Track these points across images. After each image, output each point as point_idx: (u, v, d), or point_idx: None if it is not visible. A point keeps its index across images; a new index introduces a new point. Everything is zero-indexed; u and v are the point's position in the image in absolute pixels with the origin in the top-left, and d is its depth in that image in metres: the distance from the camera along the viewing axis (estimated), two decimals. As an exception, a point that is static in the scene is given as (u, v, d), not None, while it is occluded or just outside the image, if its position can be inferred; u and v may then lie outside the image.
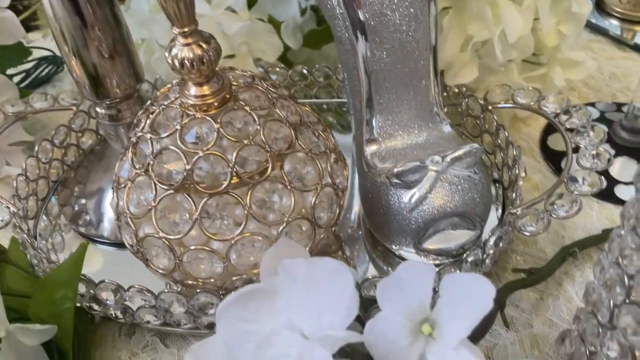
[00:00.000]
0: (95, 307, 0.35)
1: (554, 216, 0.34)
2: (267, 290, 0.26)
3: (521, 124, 0.48)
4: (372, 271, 0.39)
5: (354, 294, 0.24)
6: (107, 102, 0.38)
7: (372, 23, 0.34)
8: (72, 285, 0.32)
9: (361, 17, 0.34)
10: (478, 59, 0.42)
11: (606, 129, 0.45)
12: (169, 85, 0.33)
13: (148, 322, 0.35)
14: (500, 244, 0.34)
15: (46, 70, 0.57)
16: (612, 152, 0.44)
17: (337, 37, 0.37)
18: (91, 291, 0.34)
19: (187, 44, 0.28)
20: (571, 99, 0.50)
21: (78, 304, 0.35)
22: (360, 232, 0.41)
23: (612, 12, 0.58)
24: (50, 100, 0.45)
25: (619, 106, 0.48)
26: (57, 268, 0.33)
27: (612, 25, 0.58)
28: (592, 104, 0.49)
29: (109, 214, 0.43)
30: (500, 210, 0.41)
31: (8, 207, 0.38)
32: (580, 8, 0.43)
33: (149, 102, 0.32)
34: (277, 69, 0.49)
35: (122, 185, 0.32)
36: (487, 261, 0.34)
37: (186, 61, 0.28)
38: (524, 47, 0.42)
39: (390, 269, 0.38)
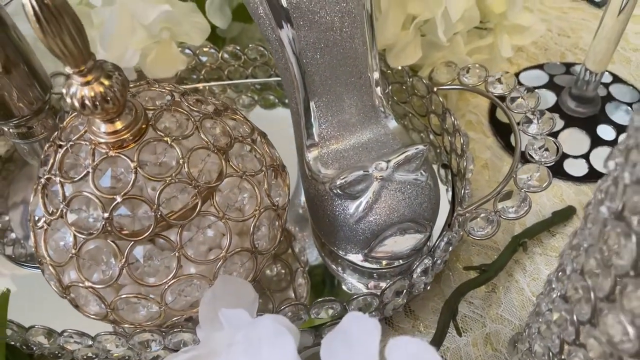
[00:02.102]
0: (31, 346, 0.33)
1: (504, 217, 0.33)
2: (203, 356, 0.24)
3: (470, 94, 0.46)
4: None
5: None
6: (15, 122, 0.34)
7: (302, 23, 0.31)
8: (-2, 338, 0.30)
9: (288, 20, 0.30)
10: (421, 36, 0.39)
11: (555, 99, 0.44)
12: (76, 113, 0.29)
13: (90, 357, 0.33)
14: (450, 249, 0.33)
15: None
16: (561, 123, 0.43)
17: (266, 37, 0.33)
18: (22, 335, 0.31)
19: (86, 83, 0.24)
20: (520, 61, 0.48)
21: (12, 343, 0.33)
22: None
23: (561, -44, 0.55)
24: (-49, 107, 0.40)
25: (568, 67, 0.47)
26: (-22, 322, 0.30)
27: (561, -30, 0.55)
28: (541, 66, 0.47)
29: (37, 228, 0.40)
30: (450, 195, 0.39)
31: None
32: (527, -31, 0.40)
33: (56, 133, 0.29)
34: (206, 50, 0.45)
35: (39, 227, 0.29)
36: (438, 263, 0.33)
37: (87, 101, 0.24)
38: (469, 20, 0.39)
39: (340, 269, 0.37)
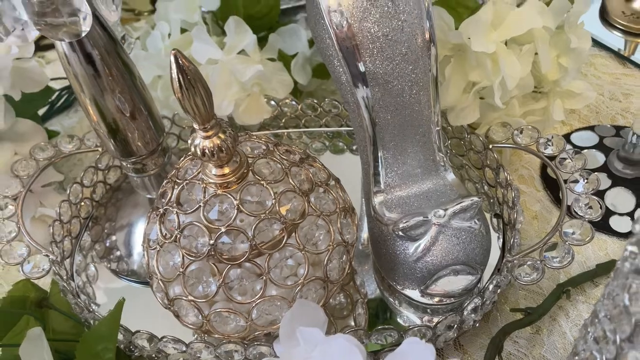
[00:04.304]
0: (132, 348, 0.39)
1: (548, 266, 0.36)
2: (286, 365, 0.29)
3: (522, 152, 0.50)
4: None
5: (363, 373, 0.27)
6: (133, 160, 0.41)
7: (377, 89, 0.36)
8: (112, 339, 0.36)
9: (365, 86, 0.36)
10: (480, 99, 0.44)
11: (603, 159, 0.47)
12: (190, 156, 0.35)
13: (180, 362, 0.39)
14: (498, 291, 0.37)
15: (67, 97, 0.60)
16: (609, 182, 0.46)
17: (344, 97, 0.39)
18: (128, 338, 0.38)
19: (208, 137, 0.30)
20: (572, 122, 0.52)
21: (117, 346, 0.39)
22: (370, 249, 0.44)
23: (616, 24, 0.59)
24: (76, 142, 0.48)
25: (617, 130, 0.50)
26: (98, 323, 0.36)
27: (616, 37, 0.58)
28: (592, 128, 0.51)
29: (137, 247, 0.47)
30: (501, 242, 0.43)
31: (47, 255, 0.42)
32: (580, 43, 0.44)
33: (173, 172, 0.35)
34: (287, 101, 0.51)
35: (152, 248, 0.36)
36: (487, 303, 0.37)
37: (207, 151, 0.31)
38: (524, 87, 0.44)
39: (397, 303, 0.42)
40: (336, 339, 0.28)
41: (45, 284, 0.43)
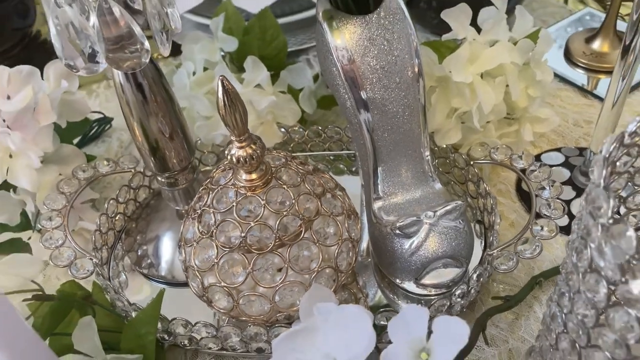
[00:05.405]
0: (166, 337, 0.45)
1: (522, 257, 0.43)
2: (309, 329, 0.35)
3: (500, 169, 0.58)
4: (380, 296, 0.49)
5: (372, 334, 0.33)
6: (167, 175, 0.48)
7: (375, 112, 0.44)
8: (153, 323, 0.42)
9: (366, 109, 0.44)
10: (461, 123, 0.52)
11: (569, 174, 0.55)
12: (221, 168, 0.42)
13: (209, 348, 0.44)
14: (481, 280, 0.44)
15: (97, 129, 0.67)
16: (573, 193, 0.54)
17: (349, 120, 0.47)
18: (166, 326, 0.44)
19: (242, 147, 0.38)
20: (542, 144, 0.60)
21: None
22: (369, 260, 0.51)
23: (578, 63, 0.68)
24: (112, 164, 0.55)
25: (580, 151, 0.58)
26: (141, 311, 0.43)
27: (579, 74, 0.67)
28: (559, 149, 0.59)
29: (165, 256, 0.53)
30: (483, 244, 0.50)
31: (91, 259, 0.48)
32: (543, 76, 0.53)
33: (208, 180, 0.42)
34: (296, 129, 0.59)
35: (189, 245, 0.42)
36: (472, 292, 0.44)
37: (241, 159, 0.38)
38: (498, 112, 0.52)
39: (395, 297, 0.48)
40: (349, 307, 0.35)
41: (86, 286, 0.49)
